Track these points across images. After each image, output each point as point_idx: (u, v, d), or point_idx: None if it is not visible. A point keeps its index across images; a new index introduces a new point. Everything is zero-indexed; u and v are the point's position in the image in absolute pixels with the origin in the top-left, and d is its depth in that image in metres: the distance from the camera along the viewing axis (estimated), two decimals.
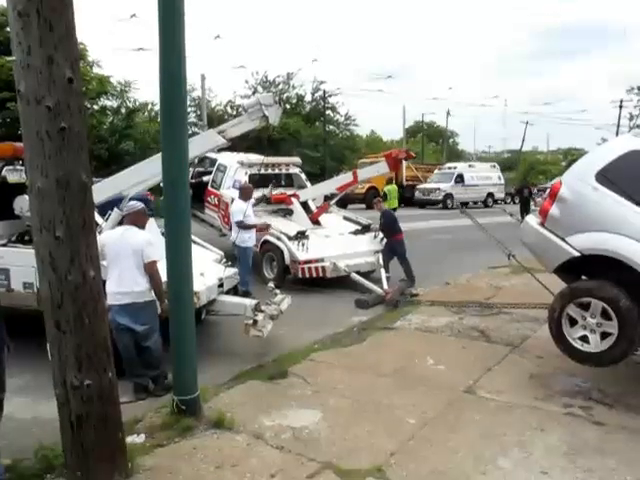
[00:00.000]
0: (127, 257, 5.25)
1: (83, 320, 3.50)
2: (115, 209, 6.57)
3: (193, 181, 12.79)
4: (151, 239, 5.31)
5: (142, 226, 5.54)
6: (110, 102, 28.98)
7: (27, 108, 3.32)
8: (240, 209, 9.00)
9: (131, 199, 6.12)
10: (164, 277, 4.91)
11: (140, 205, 5.60)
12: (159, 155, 5.03)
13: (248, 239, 9.05)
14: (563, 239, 5.27)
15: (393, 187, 18.85)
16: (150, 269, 5.27)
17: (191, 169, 12.65)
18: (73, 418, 3.55)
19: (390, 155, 10.82)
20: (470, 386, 5.46)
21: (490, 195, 34.50)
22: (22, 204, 6.01)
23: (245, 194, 9.38)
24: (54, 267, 3.42)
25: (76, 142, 3.40)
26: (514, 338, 6.93)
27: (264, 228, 9.64)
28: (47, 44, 3.24)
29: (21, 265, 5.95)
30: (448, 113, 57.51)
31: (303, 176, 12.84)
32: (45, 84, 3.26)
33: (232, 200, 10.32)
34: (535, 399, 5.15)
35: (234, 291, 7.35)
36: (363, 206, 26.60)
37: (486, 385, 5.48)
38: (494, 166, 35.52)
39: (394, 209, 16.59)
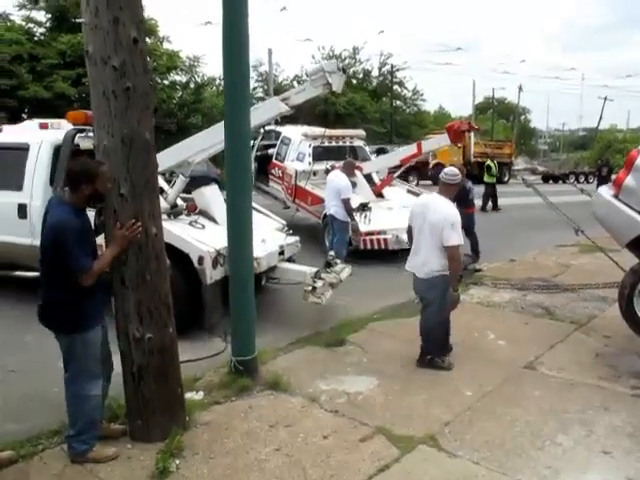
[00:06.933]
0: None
1: (145, 277, 3.62)
2: (180, 176, 6.74)
3: (258, 154, 12.93)
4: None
5: (451, 198, 5.12)
6: (179, 77, 29.42)
7: (94, 69, 3.42)
8: (348, 186, 8.71)
9: (198, 177, 6.39)
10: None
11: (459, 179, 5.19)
12: (221, 123, 5.09)
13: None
14: (638, 211, 4.99)
15: (493, 163, 18.51)
16: None
17: (256, 142, 12.79)
18: (135, 369, 3.70)
19: (452, 127, 10.49)
20: (531, 362, 5.31)
21: None
22: None
23: (350, 170, 9.14)
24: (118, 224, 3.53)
25: (141, 102, 3.48)
26: (580, 316, 6.67)
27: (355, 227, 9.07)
28: (113, 5, 3.33)
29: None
30: (520, 88, 55.02)
31: (367, 149, 12.70)
32: (111, 44, 3.35)
33: (328, 171, 10.34)
34: (600, 378, 4.95)
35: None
36: (429, 182, 26.06)
37: (548, 362, 5.31)
38: None
39: (492, 184, 17.84)
